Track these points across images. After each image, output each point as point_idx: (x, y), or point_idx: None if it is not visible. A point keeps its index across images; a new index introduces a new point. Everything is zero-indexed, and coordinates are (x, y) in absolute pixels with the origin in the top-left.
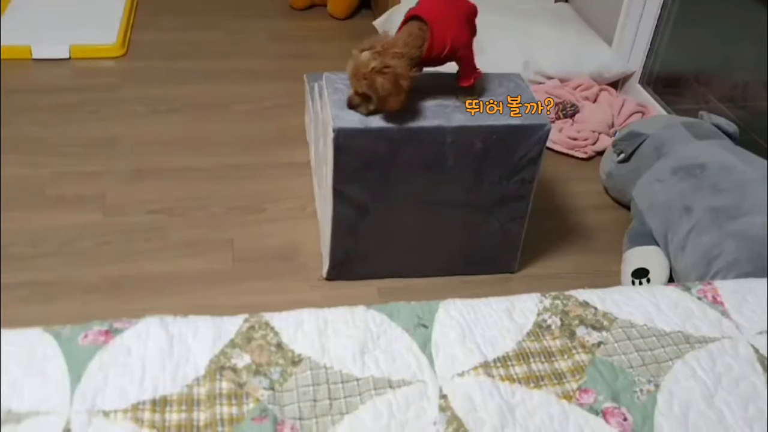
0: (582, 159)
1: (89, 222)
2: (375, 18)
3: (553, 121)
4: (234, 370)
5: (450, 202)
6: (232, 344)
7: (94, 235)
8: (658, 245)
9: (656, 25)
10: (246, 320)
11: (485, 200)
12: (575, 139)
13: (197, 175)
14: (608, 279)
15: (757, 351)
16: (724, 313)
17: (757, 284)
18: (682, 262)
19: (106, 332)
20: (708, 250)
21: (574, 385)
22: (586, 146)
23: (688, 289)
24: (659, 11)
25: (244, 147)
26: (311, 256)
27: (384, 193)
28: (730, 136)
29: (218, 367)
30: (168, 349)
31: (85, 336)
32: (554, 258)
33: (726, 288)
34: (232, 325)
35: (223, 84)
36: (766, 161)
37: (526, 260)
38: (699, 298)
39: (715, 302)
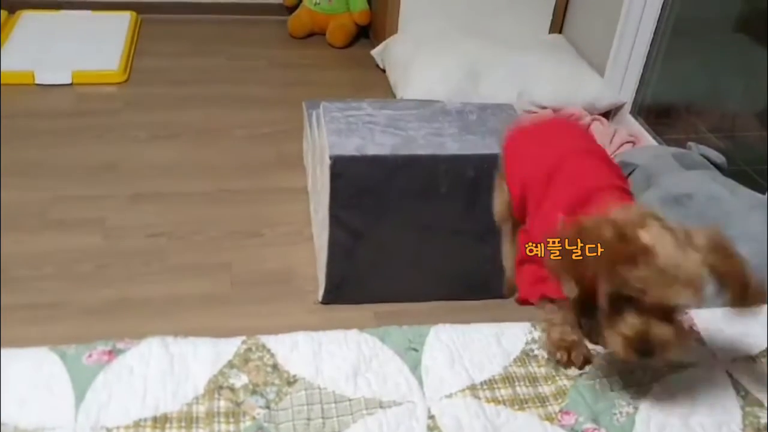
0: None
1: (90, 245)
2: (372, 47)
3: None
4: (232, 389)
5: (444, 228)
6: (230, 365)
7: (95, 258)
8: None
9: (647, 57)
10: (244, 342)
11: (478, 227)
12: None
13: (197, 199)
14: None
15: (731, 376)
16: (701, 342)
17: (731, 313)
18: None
19: (110, 352)
20: None
21: (557, 408)
22: None
23: None
24: (650, 43)
25: (243, 172)
26: (308, 280)
27: (379, 218)
28: (717, 166)
29: (217, 387)
30: (169, 369)
31: (90, 355)
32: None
33: (702, 317)
34: (231, 346)
35: (224, 110)
36: (751, 191)
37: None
38: None
39: (691, 329)
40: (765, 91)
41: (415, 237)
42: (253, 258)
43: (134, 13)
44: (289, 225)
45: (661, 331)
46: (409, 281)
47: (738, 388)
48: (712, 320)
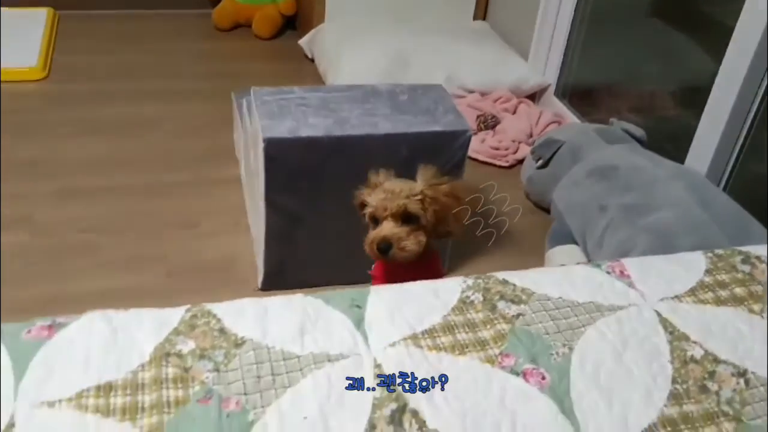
0: (504, 167)
1: (17, 243)
2: (300, 38)
3: (476, 133)
4: (179, 355)
5: None
6: (176, 332)
7: (23, 256)
8: (577, 244)
9: (567, 41)
10: (188, 310)
11: None
12: (497, 148)
13: (126, 193)
14: None
15: (659, 315)
16: (631, 285)
17: (658, 260)
18: (599, 258)
19: (50, 327)
20: (622, 245)
21: (496, 351)
22: (507, 155)
23: (598, 266)
24: (570, 28)
25: (173, 165)
26: (246, 268)
27: (316, 201)
28: (638, 140)
29: (163, 354)
30: (112, 339)
31: (29, 331)
32: (481, 260)
33: (631, 263)
34: (175, 315)
35: (150, 104)
36: (671, 162)
37: (454, 263)
38: (608, 273)
39: (622, 275)
40: (678, 72)
41: (353, 218)
42: (189, 249)
43: (51, 9)
44: (225, 215)
45: (391, 232)
46: (348, 263)
47: (666, 325)
48: (639, 265)
